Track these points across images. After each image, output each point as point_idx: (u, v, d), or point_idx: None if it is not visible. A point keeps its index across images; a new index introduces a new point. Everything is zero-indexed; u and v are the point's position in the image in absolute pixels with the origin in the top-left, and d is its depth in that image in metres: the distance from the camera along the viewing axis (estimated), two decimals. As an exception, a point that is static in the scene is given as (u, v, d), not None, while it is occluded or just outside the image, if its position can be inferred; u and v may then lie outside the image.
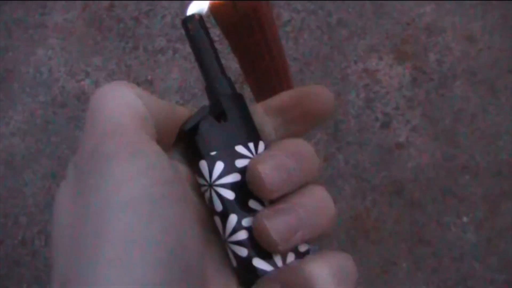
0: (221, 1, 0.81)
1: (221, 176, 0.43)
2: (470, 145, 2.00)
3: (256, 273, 0.42)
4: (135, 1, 2.25)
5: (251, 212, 0.43)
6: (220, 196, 0.42)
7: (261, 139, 0.46)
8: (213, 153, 0.43)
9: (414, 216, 2.06)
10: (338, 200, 2.10)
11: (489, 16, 1.98)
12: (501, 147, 1.99)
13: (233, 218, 0.42)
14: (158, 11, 2.24)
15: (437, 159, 2.03)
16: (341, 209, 2.10)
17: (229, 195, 0.43)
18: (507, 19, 1.97)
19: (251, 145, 0.45)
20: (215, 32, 0.55)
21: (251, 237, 0.42)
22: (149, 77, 2.12)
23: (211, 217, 0.44)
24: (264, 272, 0.42)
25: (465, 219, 2.03)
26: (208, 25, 0.49)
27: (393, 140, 2.03)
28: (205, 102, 0.47)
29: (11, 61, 2.20)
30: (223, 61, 0.48)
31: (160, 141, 0.40)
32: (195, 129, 0.43)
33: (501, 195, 2.00)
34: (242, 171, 0.43)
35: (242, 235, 0.42)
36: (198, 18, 0.48)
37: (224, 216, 0.43)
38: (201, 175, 0.43)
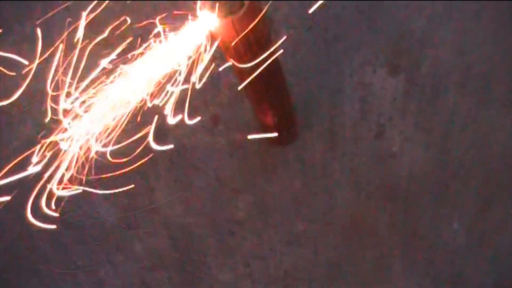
0: (223, 22, 0.92)
1: None
2: (461, 153, 2.08)
3: None
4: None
5: None
6: None
7: None
8: None
9: (407, 220, 2.14)
10: (335, 207, 2.19)
11: (479, 30, 2.05)
12: (491, 154, 2.07)
13: None
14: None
15: (429, 167, 2.11)
16: (338, 215, 2.18)
17: None
18: (496, 33, 2.05)
19: None
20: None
21: None
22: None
23: None
24: None
25: (456, 225, 2.11)
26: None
27: (387, 149, 2.11)
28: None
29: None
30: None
31: None
32: None
33: (491, 197, 2.09)
34: None
35: None
36: None
37: None
38: None
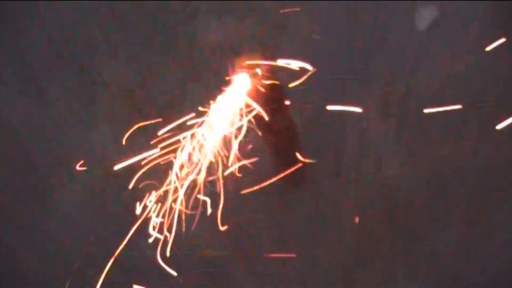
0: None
1: None
2: (454, 163, 2.41)
3: None
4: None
5: None
6: None
7: None
8: None
9: (407, 234, 2.46)
10: (343, 229, 2.52)
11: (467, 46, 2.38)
12: (479, 164, 2.40)
13: None
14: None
15: (423, 184, 2.45)
16: (345, 237, 2.53)
17: None
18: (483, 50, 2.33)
19: None
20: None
21: None
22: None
23: None
24: None
25: (451, 233, 2.43)
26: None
27: (385, 175, 2.46)
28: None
29: (68, 144, 2.64)
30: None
31: None
32: None
33: (486, 201, 2.40)
34: None
35: None
36: None
37: None
38: None
